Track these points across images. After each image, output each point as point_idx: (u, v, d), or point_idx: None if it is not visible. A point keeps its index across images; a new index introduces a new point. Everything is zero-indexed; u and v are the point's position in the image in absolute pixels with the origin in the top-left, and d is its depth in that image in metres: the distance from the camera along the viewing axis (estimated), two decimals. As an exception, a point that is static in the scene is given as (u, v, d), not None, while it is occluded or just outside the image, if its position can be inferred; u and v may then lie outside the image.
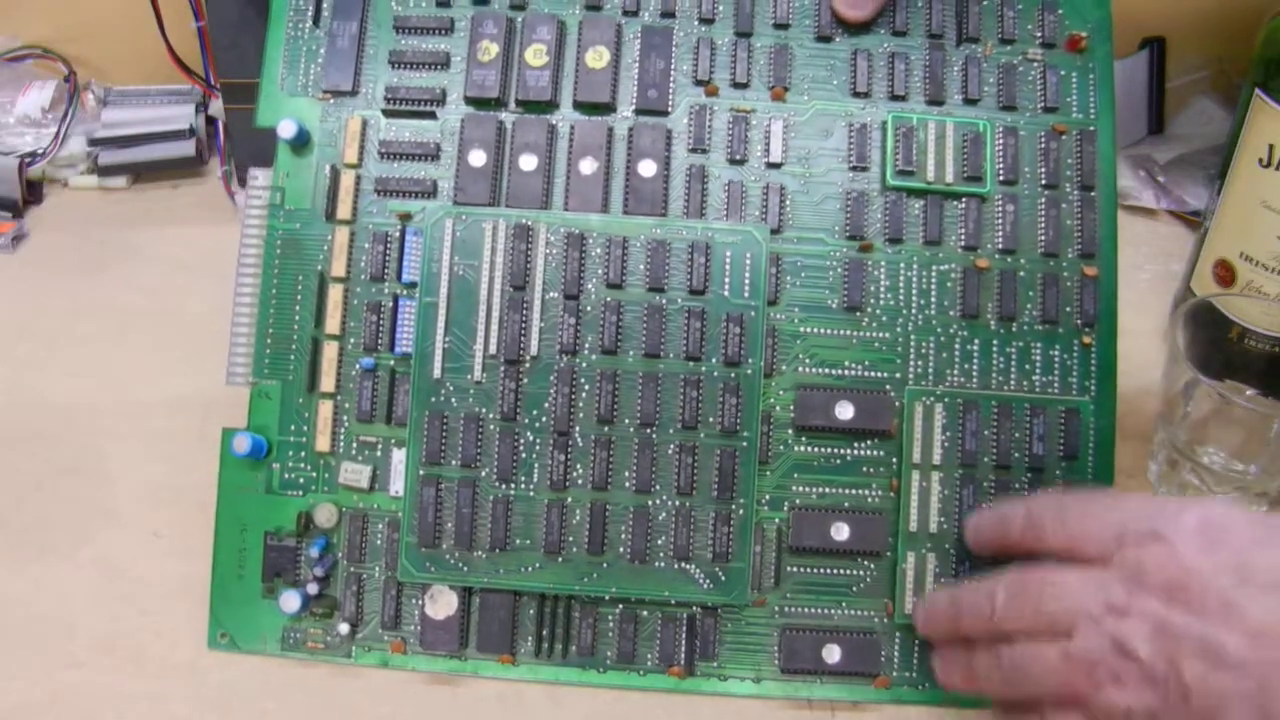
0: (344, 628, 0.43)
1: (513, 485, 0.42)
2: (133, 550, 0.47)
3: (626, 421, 0.42)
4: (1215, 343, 0.50)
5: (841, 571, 0.42)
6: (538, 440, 0.42)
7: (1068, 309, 0.44)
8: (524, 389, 0.42)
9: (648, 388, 0.42)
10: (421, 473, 0.42)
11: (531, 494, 0.42)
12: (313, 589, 0.43)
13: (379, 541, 0.43)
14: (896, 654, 0.42)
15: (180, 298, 0.59)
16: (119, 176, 0.66)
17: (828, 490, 0.43)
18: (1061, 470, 0.43)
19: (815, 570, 0.43)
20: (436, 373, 0.42)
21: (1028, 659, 0.34)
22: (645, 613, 0.42)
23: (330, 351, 0.43)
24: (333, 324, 0.43)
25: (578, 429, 0.42)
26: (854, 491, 0.43)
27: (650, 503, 0.42)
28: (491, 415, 0.42)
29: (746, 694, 0.42)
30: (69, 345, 0.56)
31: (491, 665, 0.42)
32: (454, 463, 0.42)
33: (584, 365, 0.42)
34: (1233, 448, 0.48)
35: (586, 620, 0.42)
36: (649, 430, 0.42)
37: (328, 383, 0.43)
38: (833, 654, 0.42)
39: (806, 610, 0.42)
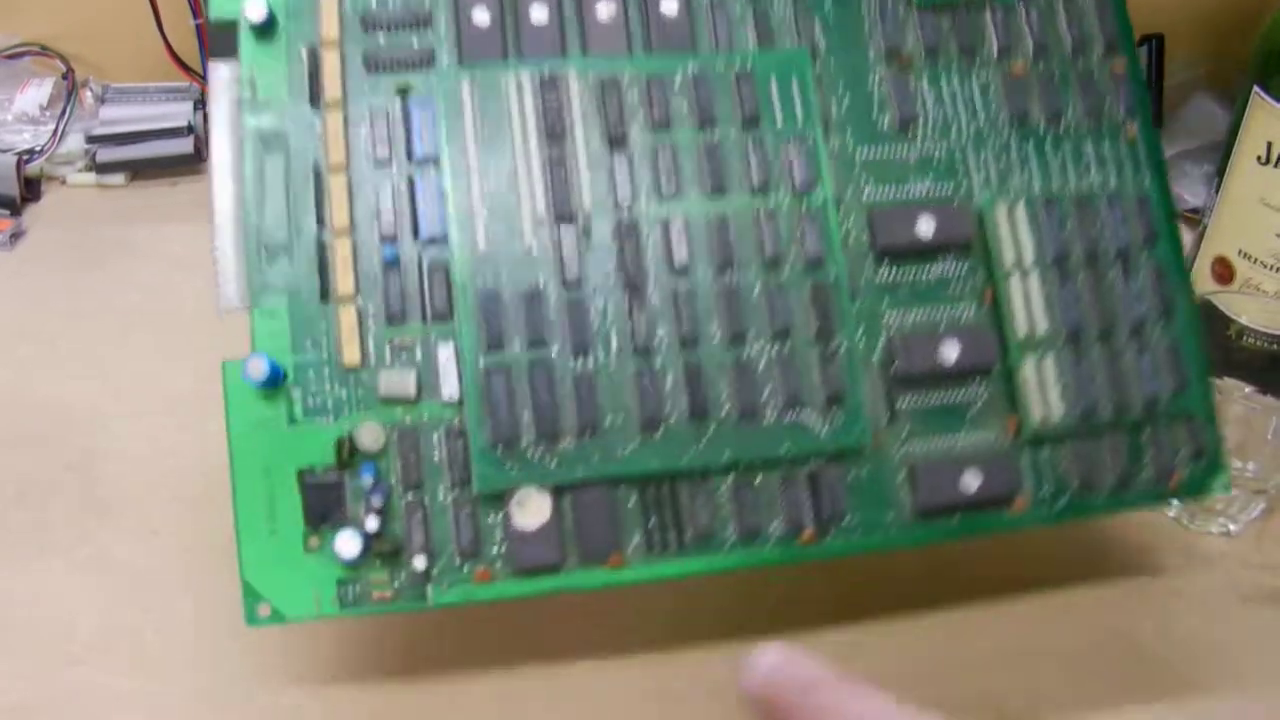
0: (419, 562, 0.34)
1: (590, 358, 0.35)
2: (132, 548, 0.44)
3: (701, 268, 0.36)
4: (1214, 340, 0.47)
5: (955, 395, 0.38)
6: (608, 303, 0.36)
7: (1106, 104, 0.40)
8: (582, 249, 0.36)
9: (717, 228, 0.36)
10: (483, 363, 0.35)
11: (613, 365, 0.36)
12: (372, 524, 0.34)
13: (437, 456, 0.35)
14: (1029, 472, 0.38)
15: (179, 295, 0.55)
16: (117, 174, 0.63)
17: (922, 313, 0.38)
18: (1146, 255, 0.40)
19: (928, 399, 0.38)
20: (481, 245, 0.35)
21: None
22: (760, 478, 0.36)
23: (342, 249, 0.35)
24: (340, 217, 0.35)
25: (650, 283, 0.36)
26: (948, 310, 0.38)
27: (746, 353, 0.36)
28: (551, 283, 0.36)
29: (882, 546, 0.37)
30: (67, 342, 0.53)
31: (598, 574, 0.35)
32: (517, 345, 0.35)
33: (642, 213, 0.36)
34: (1231, 445, 0.42)
35: (698, 499, 0.36)
36: (727, 274, 0.37)
37: (345, 284, 0.35)
38: (970, 481, 0.37)
39: (928, 443, 0.37)
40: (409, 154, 0.36)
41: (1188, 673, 0.41)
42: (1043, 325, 0.38)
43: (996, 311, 0.38)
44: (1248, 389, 0.47)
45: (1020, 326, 0.38)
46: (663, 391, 0.36)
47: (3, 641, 0.42)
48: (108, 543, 0.45)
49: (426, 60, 0.37)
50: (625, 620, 0.42)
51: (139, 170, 0.64)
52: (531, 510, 0.35)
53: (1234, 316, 0.48)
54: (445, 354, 0.35)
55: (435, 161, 0.36)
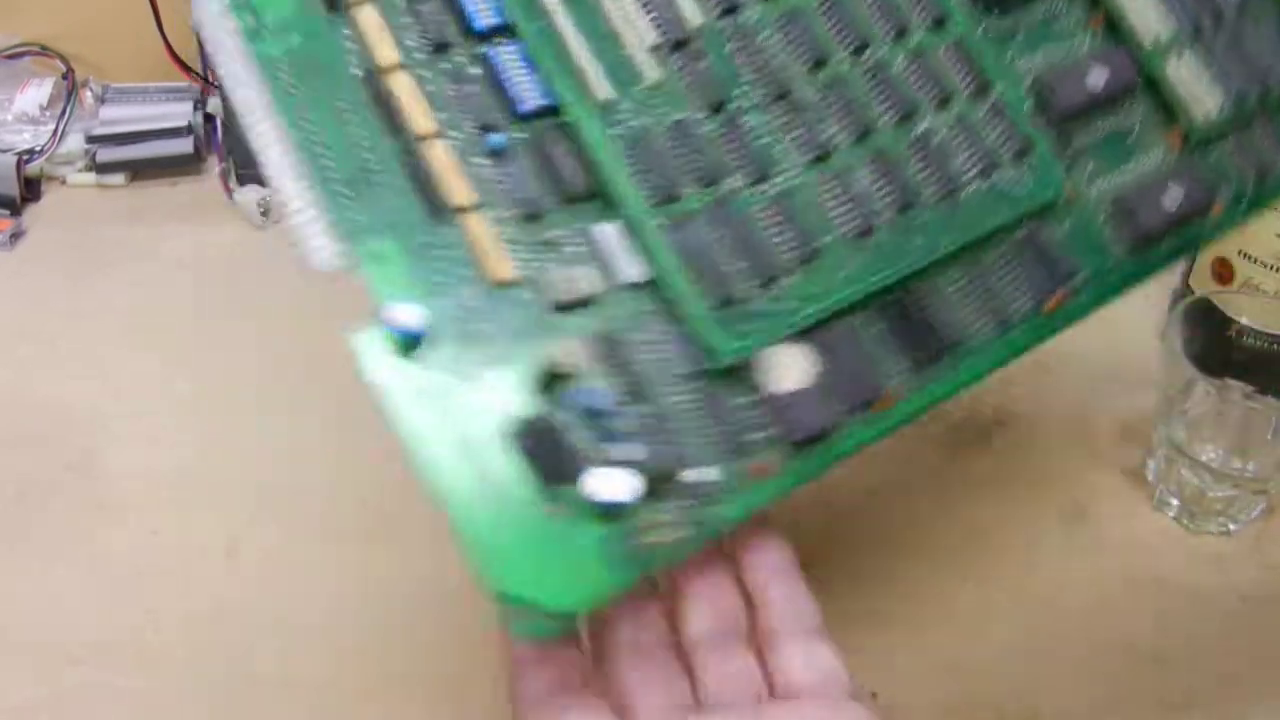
0: (711, 473, 0.28)
1: (772, 180, 0.31)
2: (132, 548, 0.44)
3: (839, 56, 0.33)
4: (1214, 340, 0.47)
5: (1114, 122, 0.36)
6: (764, 118, 0.32)
7: None
8: (711, 68, 0.32)
9: (833, 10, 0.33)
10: (659, 223, 0.30)
11: (800, 180, 0.32)
12: (637, 452, 0.28)
13: (652, 354, 0.29)
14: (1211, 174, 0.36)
15: (179, 295, 0.55)
16: (117, 174, 0.62)
17: (1044, 55, 0.36)
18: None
19: (1093, 132, 0.36)
20: (605, 93, 0.31)
21: None
22: (985, 257, 0.33)
23: (438, 154, 0.29)
24: (422, 120, 0.30)
25: (796, 85, 0.32)
26: (1067, 46, 0.36)
27: (921, 129, 0.33)
28: (695, 114, 0.31)
29: (1115, 291, 0.35)
30: (67, 342, 0.53)
31: (875, 422, 0.31)
32: (689, 191, 0.31)
33: (754, 18, 0.33)
34: (1231, 445, 0.45)
35: (935, 302, 0.32)
36: (866, 55, 0.33)
37: (458, 192, 0.29)
38: (1173, 197, 0.35)
39: (1111, 178, 0.35)
40: (468, 30, 0.31)
41: (1188, 672, 0.41)
42: (1165, 27, 0.36)
43: (1114, 32, 0.36)
44: (1247, 389, 0.47)
45: (1145, 34, 0.36)
46: (862, 191, 0.32)
47: (3, 641, 0.42)
48: (108, 543, 0.45)
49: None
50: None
51: (139, 170, 0.64)
52: (787, 368, 0.30)
53: (1234, 316, 0.48)
54: (608, 231, 0.30)
55: (504, 29, 0.31)
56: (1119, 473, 0.48)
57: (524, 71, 0.31)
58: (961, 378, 0.32)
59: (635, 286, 0.30)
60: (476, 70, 0.31)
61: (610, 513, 0.27)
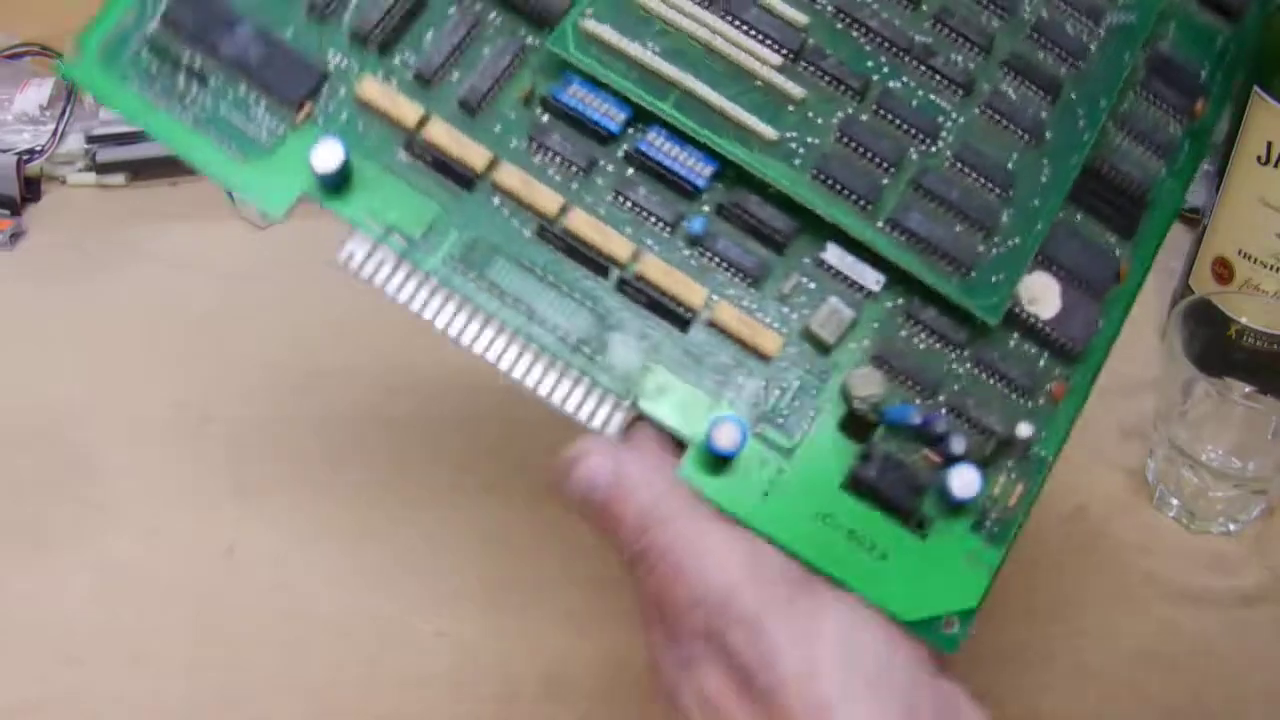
0: (1025, 429, 0.30)
1: (944, 132, 0.32)
2: (131, 549, 0.44)
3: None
4: (1214, 340, 0.47)
5: None
6: (905, 77, 0.32)
7: None
8: (839, 57, 0.32)
9: None
10: (879, 224, 0.30)
11: (962, 118, 0.32)
12: (958, 446, 0.29)
13: (924, 344, 0.30)
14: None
15: (179, 295, 0.55)
16: (117, 174, 0.61)
17: None
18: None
19: None
20: (769, 132, 0.31)
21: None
22: (1130, 101, 0.34)
23: (651, 267, 0.30)
24: (618, 246, 0.30)
25: (910, 31, 0.32)
26: None
27: (1027, 12, 0.34)
28: (850, 108, 0.32)
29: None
30: (67, 342, 0.52)
31: (1121, 298, 0.33)
32: (885, 180, 0.31)
33: None
34: (1231, 445, 0.45)
35: (1113, 163, 0.33)
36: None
37: (692, 292, 0.30)
38: None
39: None
40: (606, 139, 0.31)
41: (1188, 672, 0.41)
42: None
43: None
44: (1248, 389, 0.47)
45: None
46: (1015, 101, 0.33)
47: (3, 641, 0.42)
48: (108, 543, 0.45)
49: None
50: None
51: (139, 170, 0.63)
52: (1039, 297, 0.32)
53: (1234, 316, 0.48)
54: (836, 253, 0.31)
55: (638, 119, 0.31)
56: (1119, 472, 0.48)
57: (680, 149, 0.31)
58: (1159, 228, 0.33)
59: (876, 294, 0.31)
60: (634, 171, 0.31)
61: (966, 505, 0.29)
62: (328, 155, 0.29)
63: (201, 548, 0.43)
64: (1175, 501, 0.46)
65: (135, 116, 0.30)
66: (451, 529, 0.45)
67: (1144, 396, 0.49)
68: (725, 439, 0.28)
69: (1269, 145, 0.49)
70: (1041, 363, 0.31)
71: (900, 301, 0.31)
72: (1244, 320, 0.48)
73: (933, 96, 0.32)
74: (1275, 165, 0.49)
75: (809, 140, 0.31)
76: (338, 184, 0.30)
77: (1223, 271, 0.52)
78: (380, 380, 0.50)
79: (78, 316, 0.55)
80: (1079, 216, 0.33)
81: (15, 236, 0.59)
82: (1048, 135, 0.32)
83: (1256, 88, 0.49)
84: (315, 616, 0.42)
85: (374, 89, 0.30)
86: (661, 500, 0.27)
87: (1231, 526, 0.46)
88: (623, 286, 0.30)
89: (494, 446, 0.48)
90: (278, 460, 0.47)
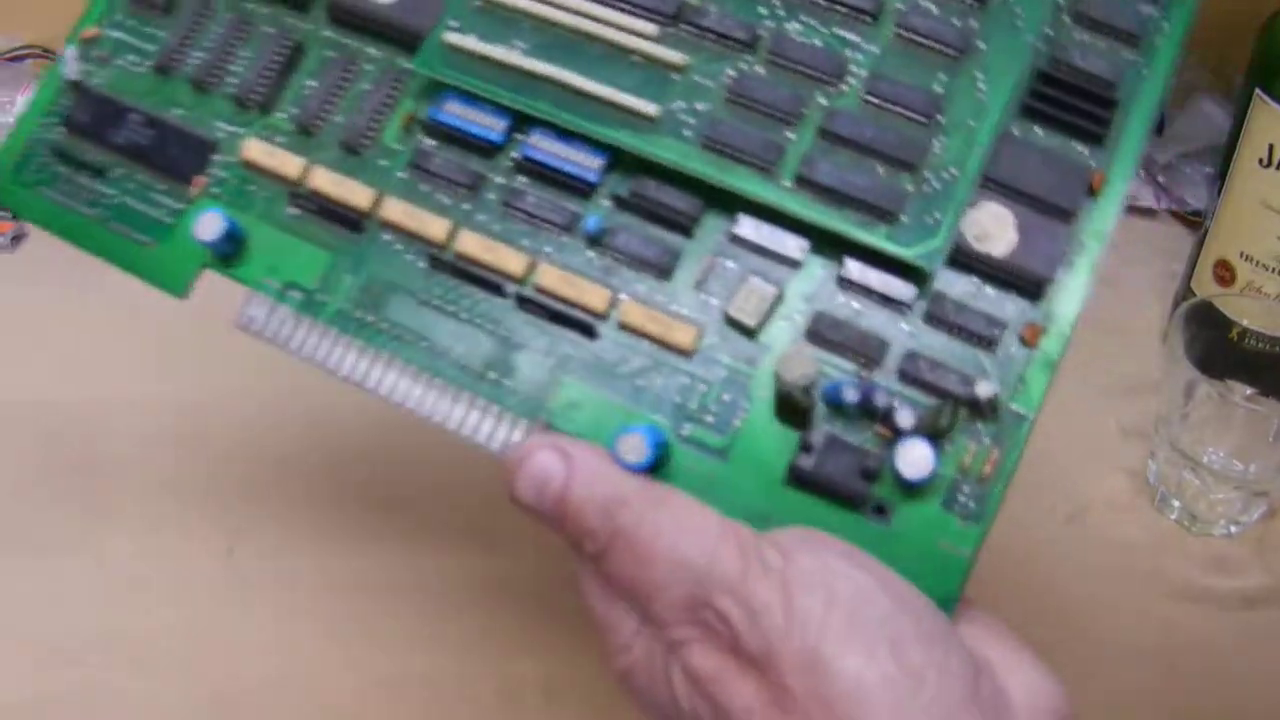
0: (988, 387, 0.26)
1: (852, 69, 0.28)
2: (132, 549, 0.43)
3: None
4: (1215, 343, 0.47)
5: None
6: (802, 16, 0.29)
7: None
8: (722, 9, 0.29)
9: None
10: (786, 182, 0.27)
11: (874, 47, 0.28)
12: (905, 419, 0.26)
13: (863, 308, 0.27)
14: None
15: (179, 300, 0.59)
16: None
17: None
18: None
19: None
20: (651, 108, 0.28)
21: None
22: None
23: (549, 278, 0.28)
24: (512, 261, 0.29)
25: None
26: None
27: None
28: (740, 61, 0.29)
29: None
30: (68, 342, 0.52)
31: (1105, 205, 0.28)
32: (789, 134, 0.28)
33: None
34: (1233, 448, 0.45)
35: (1067, 58, 0.28)
36: None
37: (595, 296, 0.28)
38: None
39: None
40: (489, 150, 0.30)
41: (1189, 674, 0.40)
42: None
43: None
44: (1249, 391, 0.47)
45: None
46: (932, 19, 0.29)
47: (2, 641, 0.41)
48: (106, 542, 0.45)
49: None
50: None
51: (140, 171, 0.64)
52: (992, 230, 0.27)
53: (1235, 319, 0.48)
54: (748, 225, 0.28)
55: (518, 125, 0.29)
56: (1121, 474, 0.48)
57: (566, 146, 0.29)
58: (1139, 127, 0.28)
59: (801, 262, 0.28)
60: (525, 179, 0.29)
61: (925, 485, 0.26)
62: (209, 225, 0.29)
63: (201, 548, 0.43)
64: (1177, 504, 0.46)
65: (48, 222, 0.32)
66: (452, 528, 0.44)
67: (1145, 398, 0.48)
68: (631, 453, 0.26)
69: (1270, 148, 0.49)
70: (1007, 306, 0.27)
71: (831, 265, 0.27)
72: (1245, 323, 0.48)
73: (836, 31, 0.28)
74: (1277, 168, 0.49)
75: (697, 107, 0.28)
76: (230, 251, 0.30)
77: (1224, 274, 0.52)
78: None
79: (78, 318, 0.55)
80: (1037, 130, 0.28)
81: (17, 239, 0.60)
82: (980, 45, 0.28)
83: (1258, 90, 0.49)
84: (315, 617, 0.42)
85: (256, 149, 0.30)
86: (619, 485, 0.26)
87: (1233, 529, 0.46)
88: (522, 303, 0.28)
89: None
90: (278, 460, 0.47)
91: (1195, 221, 0.58)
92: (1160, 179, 0.63)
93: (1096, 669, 0.41)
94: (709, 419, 0.27)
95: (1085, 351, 0.48)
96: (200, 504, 0.45)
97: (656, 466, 0.26)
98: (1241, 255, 0.51)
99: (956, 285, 0.27)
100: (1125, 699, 0.40)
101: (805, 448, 0.26)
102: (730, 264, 0.28)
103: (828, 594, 0.24)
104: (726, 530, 0.25)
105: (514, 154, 0.29)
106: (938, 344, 0.27)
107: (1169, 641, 0.42)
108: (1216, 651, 0.42)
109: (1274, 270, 0.50)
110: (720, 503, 0.26)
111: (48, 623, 0.42)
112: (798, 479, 0.26)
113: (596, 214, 0.28)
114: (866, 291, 0.27)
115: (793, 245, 0.28)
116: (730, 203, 0.28)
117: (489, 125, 0.29)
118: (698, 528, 0.25)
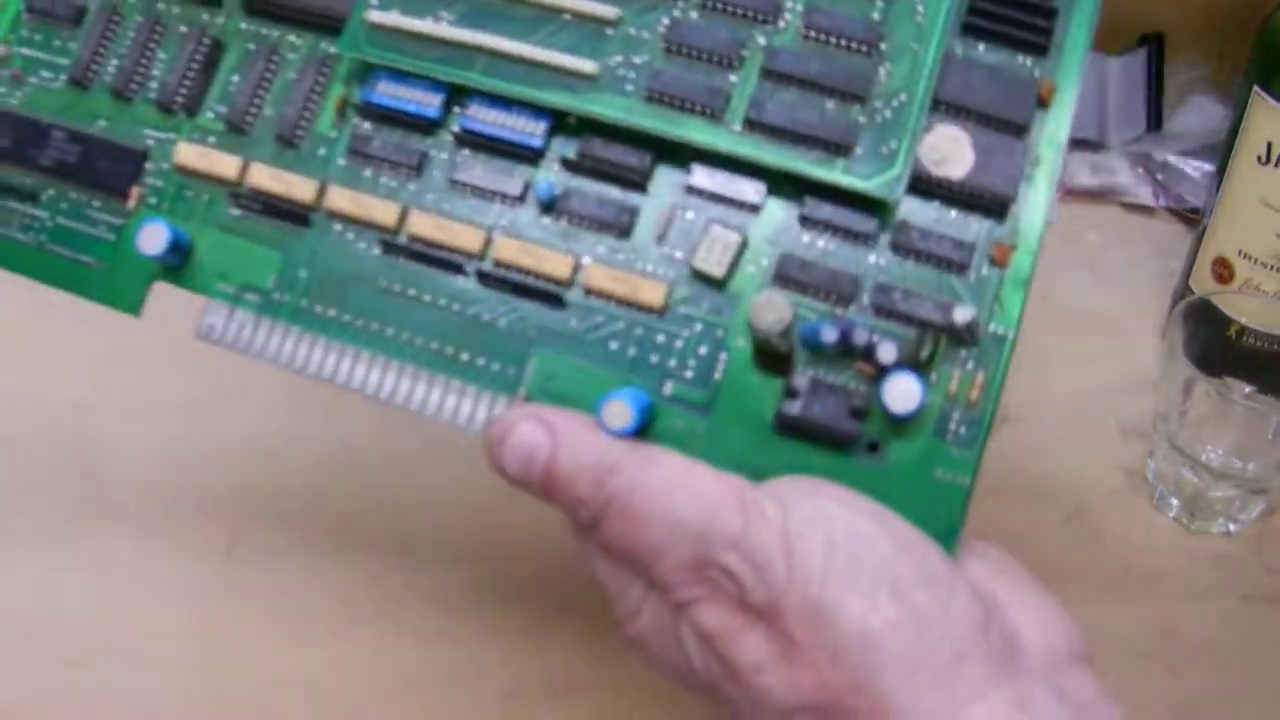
0: (962, 314, 0.25)
1: (789, 2, 0.27)
2: (132, 550, 0.43)
3: None
4: (1214, 340, 0.46)
5: None
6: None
7: None
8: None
9: None
10: (736, 127, 0.27)
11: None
12: (887, 353, 0.25)
13: (829, 246, 0.27)
14: None
15: (180, 297, 0.58)
16: None
17: None
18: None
19: None
20: (589, 66, 0.28)
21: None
22: None
23: (508, 250, 0.28)
24: (467, 236, 0.28)
25: None
26: None
27: None
28: (675, 7, 0.28)
29: None
30: (68, 342, 0.51)
31: (1058, 114, 0.27)
32: (732, 76, 0.27)
33: None
34: (1231, 445, 0.44)
35: None
36: None
37: (556, 264, 0.28)
38: None
39: None
40: (429, 127, 0.29)
41: (1188, 672, 0.40)
42: None
43: None
44: (1248, 389, 0.47)
45: None
46: None
47: (3, 642, 0.41)
48: (108, 543, 0.44)
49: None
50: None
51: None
52: (948, 153, 0.27)
53: (1234, 317, 0.47)
54: (702, 174, 0.28)
55: (455, 98, 0.29)
56: (1119, 472, 0.47)
57: (506, 114, 0.28)
58: (1080, 32, 0.28)
59: (760, 206, 0.27)
60: (468, 152, 0.29)
61: (914, 417, 0.26)
62: (153, 238, 0.28)
63: (201, 548, 0.43)
64: (1175, 502, 0.46)
65: None
66: (452, 527, 0.44)
67: (1144, 396, 0.48)
68: (616, 419, 0.25)
69: (1269, 145, 0.48)
70: (973, 227, 0.27)
71: (791, 206, 0.27)
72: (1244, 320, 0.48)
73: None
74: (1275, 165, 0.48)
75: (634, 61, 0.27)
76: (178, 261, 0.29)
77: (1223, 271, 0.51)
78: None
79: (79, 317, 0.55)
80: (979, 48, 0.27)
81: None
82: None
83: (1257, 88, 0.48)
84: (315, 616, 0.41)
85: (189, 153, 0.29)
86: (607, 451, 0.25)
87: (1231, 527, 0.45)
88: (484, 279, 0.28)
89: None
90: (277, 460, 0.47)
91: (1194, 219, 0.57)
92: (1159, 176, 0.62)
93: (1096, 667, 0.40)
94: (688, 375, 0.27)
95: (1083, 349, 0.47)
96: (200, 504, 0.44)
97: (642, 430, 0.26)
98: (1240, 253, 0.50)
99: (919, 213, 0.27)
100: (1124, 697, 0.39)
101: (790, 394, 0.26)
102: (690, 215, 0.27)
103: (827, 541, 0.24)
104: (722, 485, 0.25)
105: (454, 128, 0.29)
106: (908, 273, 0.27)
107: (1167, 639, 0.41)
108: (1215, 649, 0.41)
109: (1272, 268, 0.50)
110: (711, 459, 0.26)
111: (48, 623, 0.42)
112: (786, 426, 0.26)
113: (547, 180, 0.28)
114: (830, 228, 0.27)
115: (750, 190, 0.27)
116: (681, 153, 0.27)
117: (424, 101, 0.28)
118: (692, 486, 0.25)
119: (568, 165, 0.28)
